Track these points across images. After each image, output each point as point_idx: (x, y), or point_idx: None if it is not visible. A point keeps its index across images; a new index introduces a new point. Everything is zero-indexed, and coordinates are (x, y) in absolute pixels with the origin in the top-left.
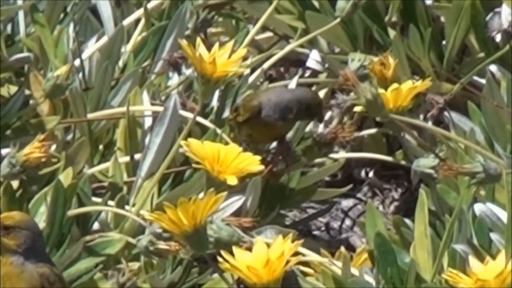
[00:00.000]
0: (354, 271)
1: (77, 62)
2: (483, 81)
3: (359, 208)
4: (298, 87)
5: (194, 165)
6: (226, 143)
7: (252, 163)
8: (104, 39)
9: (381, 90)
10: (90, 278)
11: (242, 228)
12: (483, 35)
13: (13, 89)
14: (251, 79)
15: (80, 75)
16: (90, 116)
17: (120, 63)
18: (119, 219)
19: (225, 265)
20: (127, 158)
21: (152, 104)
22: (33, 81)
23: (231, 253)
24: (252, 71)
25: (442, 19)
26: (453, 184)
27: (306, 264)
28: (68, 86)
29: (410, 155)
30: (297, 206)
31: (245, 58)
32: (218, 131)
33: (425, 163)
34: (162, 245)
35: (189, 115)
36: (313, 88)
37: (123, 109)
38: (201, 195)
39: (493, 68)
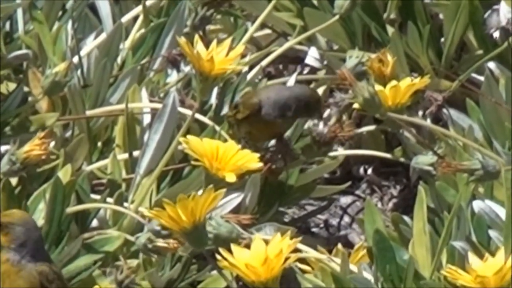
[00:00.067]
0: (353, 268)
1: (75, 59)
2: (481, 78)
3: (357, 205)
4: (297, 84)
5: (193, 162)
6: (225, 140)
7: (251, 160)
8: (103, 36)
9: (379, 88)
10: (88, 275)
11: (241, 225)
12: (482, 32)
13: (12, 86)
14: (249, 76)
15: (79, 72)
16: (88, 113)
17: (119, 60)
18: (118, 216)
19: (224, 263)
20: (126, 155)
21: (151, 101)
22: (31, 78)
23: (230, 250)
24: (251, 68)
25: (441, 16)
26: (452, 181)
27: (304, 261)
28: (67, 83)
29: (409, 152)
30: (296, 203)
31: (243, 55)
32: (217, 128)
33: (424, 160)
34: (160, 242)
35: (188, 112)
36: (312, 85)
37: (122, 106)
38: (200, 192)
39: (491, 65)
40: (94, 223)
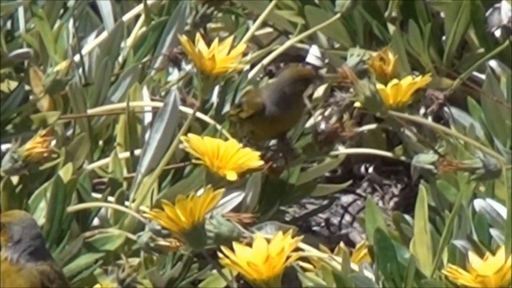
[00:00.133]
0: (354, 266)
1: (77, 57)
2: (483, 76)
3: (358, 204)
4: (284, 70)
5: (194, 161)
6: (226, 139)
7: (252, 158)
8: (104, 34)
9: (380, 86)
10: (90, 273)
11: (242, 224)
12: (483, 30)
13: (13, 84)
14: (250, 74)
15: (80, 70)
16: (90, 111)
17: (120, 59)
18: (119, 215)
19: (225, 261)
20: (127, 154)
21: (152, 100)
22: (33, 77)
23: (231, 249)
24: (252, 66)
25: (442, 14)
26: (453, 179)
27: (306, 260)
28: (68, 81)
29: (410, 150)
30: (297, 202)
31: (244, 54)
32: (218, 126)
33: (425, 158)
34: (162, 241)
35: (189, 110)
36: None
37: (123, 104)
38: (201, 191)
39: (493, 63)
40: (95, 222)
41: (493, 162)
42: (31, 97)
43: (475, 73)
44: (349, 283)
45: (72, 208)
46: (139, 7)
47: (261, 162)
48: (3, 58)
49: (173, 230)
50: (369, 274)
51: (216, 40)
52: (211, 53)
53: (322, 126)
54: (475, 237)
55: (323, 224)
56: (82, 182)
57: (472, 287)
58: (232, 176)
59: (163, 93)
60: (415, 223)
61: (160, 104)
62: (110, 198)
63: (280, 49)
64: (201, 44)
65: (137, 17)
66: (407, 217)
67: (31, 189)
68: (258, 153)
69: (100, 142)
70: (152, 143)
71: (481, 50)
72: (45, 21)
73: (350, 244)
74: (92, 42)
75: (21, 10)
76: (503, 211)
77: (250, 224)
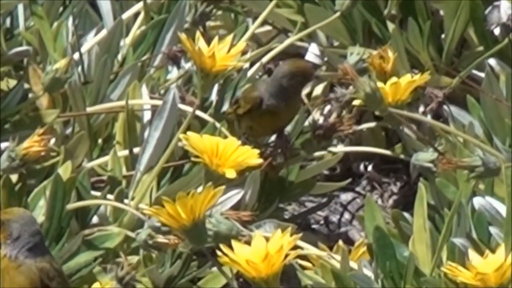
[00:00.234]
0: (353, 264)
1: (76, 55)
2: (482, 74)
3: (358, 202)
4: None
5: (193, 159)
6: (225, 137)
7: (251, 156)
8: (103, 32)
9: (380, 84)
10: (89, 271)
11: (241, 222)
12: (482, 28)
13: (12, 82)
14: (250, 73)
15: (79, 68)
16: (89, 109)
17: (119, 57)
18: (118, 212)
19: (224, 259)
20: (126, 152)
21: (151, 98)
22: (32, 75)
23: (230, 247)
24: (251, 65)
25: (441, 12)
26: (452, 178)
27: (305, 258)
28: (67, 79)
29: (409, 148)
30: (296, 199)
31: (244, 52)
32: (217, 124)
33: (424, 157)
34: (161, 238)
35: (188, 108)
36: (312, 82)
37: (122, 102)
38: (200, 188)
39: (492, 61)
40: (95, 219)
41: (493, 160)
42: (30, 95)
43: (474, 71)
44: (348, 281)
45: (71, 206)
46: (139, 5)
47: (260, 160)
48: (2, 56)
49: (173, 227)
50: (368, 272)
51: (216, 38)
52: (211, 51)
53: (321, 121)
54: (474, 235)
55: (322, 222)
56: (81, 180)
57: (472, 285)
58: (231, 174)
59: (162, 91)
60: (414, 221)
61: (159, 102)
62: (109, 196)
63: (279, 47)
64: (201, 42)
65: (136, 15)
66: (406, 215)
67: (30, 187)
68: (257, 150)
69: (99, 140)
70: (151, 141)
71: (481, 48)
72: (44, 19)
73: (349, 242)
74: (91, 40)
75: (20, 8)
76: (502, 209)
77: (249, 222)
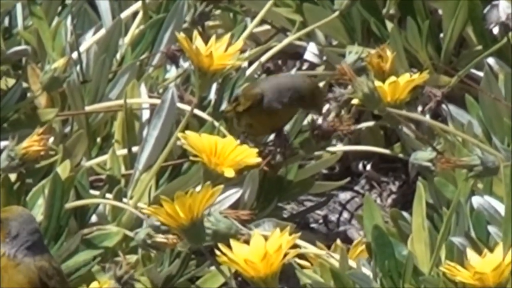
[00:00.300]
0: (352, 263)
1: (74, 54)
2: (481, 74)
3: (356, 201)
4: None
5: (191, 158)
6: (224, 136)
7: (250, 155)
8: (102, 31)
9: (378, 83)
10: (88, 270)
11: (239, 221)
12: (481, 27)
13: (11, 82)
14: (248, 72)
15: (78, 67)
16: (87, 108)
17: (118, 56)
18: (117, 211)
19: (223, 258)
20: (125, 151)
21: (150, 97)
22: (30, 74)
23: (229, 246)
24: (250, 64)
25: (440, 11)
26: (451, 177)
27: (303, 256)
28: (66, 78)
29: (408, 148)
30: (294, 198)
31: (242, 51)
32: (216, 123)
33: (423, 156)
34: (159, 238)
35: (187, 107)
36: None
37: (121, 101)
38: (199, 188)
39: (491, 60)
40: (93, 218)
41: (491, 159)
42: (28, 94)
43: (473, 71)
44: (347, 280)
45: (70, 205)
46: (137, 5)
47: (259, 159)
48: (1, 55)
49: (172, 226)
50: (367, 271)
51: (213, 37)
52: (208, 50)
53: (320, 120)
54: (473, 234)
55: (321, 221)
56: (80, 179)
57: (470, 284)
58: (229, 173)
59: (160, 90)
60: (413, 220)
61: (157, 101)
62: (108, 195)
63: (278, 47)
64: (198, 41)
65: (135, 14)
66: (405, 214)
67: (29, 186)
68: (256, 149)
69: (98, 139)
70: (150, 140)
71: (479, 47)
72: (43, 19)
73: (348, 241)
74: (90, 39)
75: (19, 7)
76: (501, 208)
77: (247, 221)
